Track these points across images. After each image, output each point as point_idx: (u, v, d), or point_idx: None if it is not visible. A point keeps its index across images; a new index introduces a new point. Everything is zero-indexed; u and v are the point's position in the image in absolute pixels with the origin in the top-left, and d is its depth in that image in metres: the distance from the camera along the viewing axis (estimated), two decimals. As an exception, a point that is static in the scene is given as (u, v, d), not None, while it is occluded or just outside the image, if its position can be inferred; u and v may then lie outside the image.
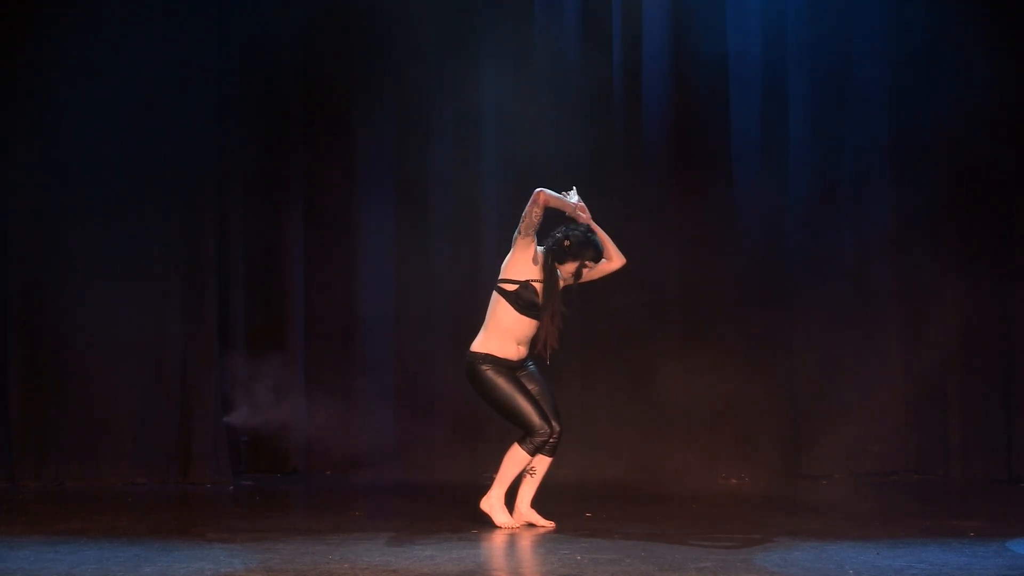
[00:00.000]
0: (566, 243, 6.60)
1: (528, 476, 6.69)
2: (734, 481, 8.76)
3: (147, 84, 8.58)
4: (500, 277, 6.64)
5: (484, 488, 6.88)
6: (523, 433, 6.61)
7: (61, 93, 8.54)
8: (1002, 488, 8.47)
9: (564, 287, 6.73)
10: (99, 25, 8.55)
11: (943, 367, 8.88)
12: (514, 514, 6.70)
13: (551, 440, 6.64)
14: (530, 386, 6.67)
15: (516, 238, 6.57)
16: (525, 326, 6.60)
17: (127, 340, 8.60)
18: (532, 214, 6.48)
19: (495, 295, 6.64)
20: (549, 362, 6.65)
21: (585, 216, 6.60)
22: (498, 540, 6.32)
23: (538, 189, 6.49)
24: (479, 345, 6.63)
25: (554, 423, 6.62)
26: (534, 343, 6.67)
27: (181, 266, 8.66)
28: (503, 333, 6.59)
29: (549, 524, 6.69)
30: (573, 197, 6.62)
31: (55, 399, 8.55)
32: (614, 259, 6.79)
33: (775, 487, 8.48)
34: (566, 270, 6.67)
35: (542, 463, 6.69)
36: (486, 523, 6.67)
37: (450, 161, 9.03)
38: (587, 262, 6.66)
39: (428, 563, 5.58)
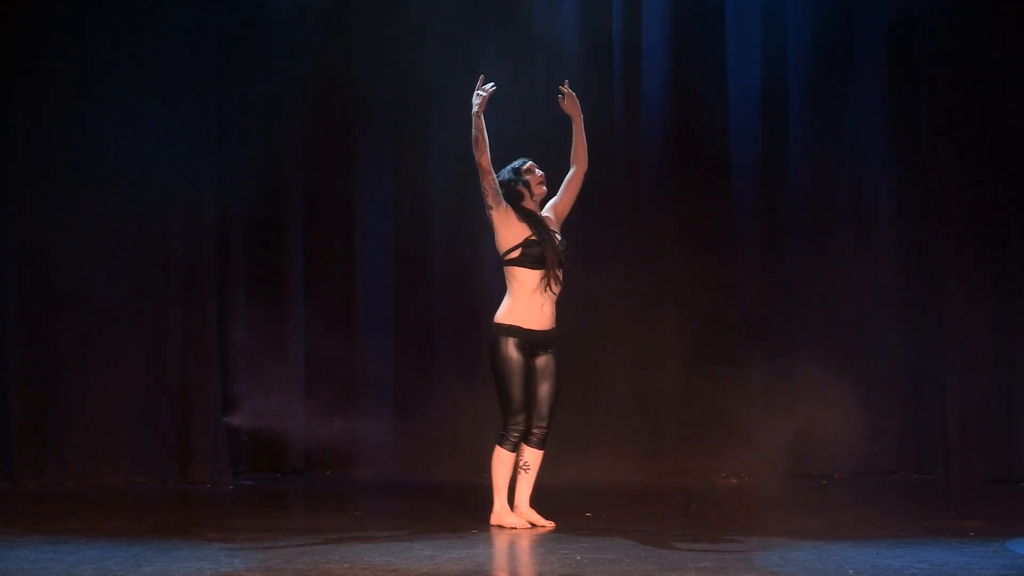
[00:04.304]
0: (504, 190, 6.66)
1: (523, 472, 6.70)
2: (734, 481, 8.76)
3: (149, 80, 8.60)
4: (501, 256, 6.66)
5: (484, 488, 6.89)
6: (500, 431, 6.63)
7: (60, 87, 8.56)
8: (1002, 488, 8.47)
9: (552, 212, 6.80)
10: (95, 23, 8.60)
11: (943, 367, 8.88)
12: (515, 512, 6.70)
13: (534, 432, 6.66)
14: (541, 383, 6.67)
15: (491, 215, 6.63)
16: (548, 281, 6.62)
17: (127, 340, 8.60)
18: (486, 183, 6.58)
19: (507, 270, 6.65)
20: (562, 269, 6.63)
21: (478, 102, 6.56)
22: (498, 540, 6.32)
23: (478, 158, 6.55)
24: (505, 316, 6.62)
25: (531, 419, 6.63)
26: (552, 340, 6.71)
27: (181, 265, 8.66)
28: (530, 296, 6.59)
29: (549, 524, 6.69)
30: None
31: (55, 399, 8.55)
32: (579, 163, 6.85)
33: (775, 487, 8.48)
34: (529, 201, 6.70)
35: (534, 457, 6.70)
36: (486, 523, 6.67)
37: (449, 159, 9.03)
38: (528, 180, 6.68)
39: (428, 563, 5.58)
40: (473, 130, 6.56)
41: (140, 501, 7.84)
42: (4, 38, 8.53)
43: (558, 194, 6.88)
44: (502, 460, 6.63)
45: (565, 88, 6.89)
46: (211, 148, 8.72)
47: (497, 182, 6.64)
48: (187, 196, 8.66)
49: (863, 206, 9.09)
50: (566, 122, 6.96)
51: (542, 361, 6.68)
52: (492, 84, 6.66)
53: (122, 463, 8.59)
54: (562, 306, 6.73)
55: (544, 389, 6.69)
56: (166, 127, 8.59)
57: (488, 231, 6.76)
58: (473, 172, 6.64)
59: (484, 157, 6.56)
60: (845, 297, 9.04)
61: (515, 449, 6.65)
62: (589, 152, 6.87)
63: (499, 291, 6.78)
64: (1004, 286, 8.82)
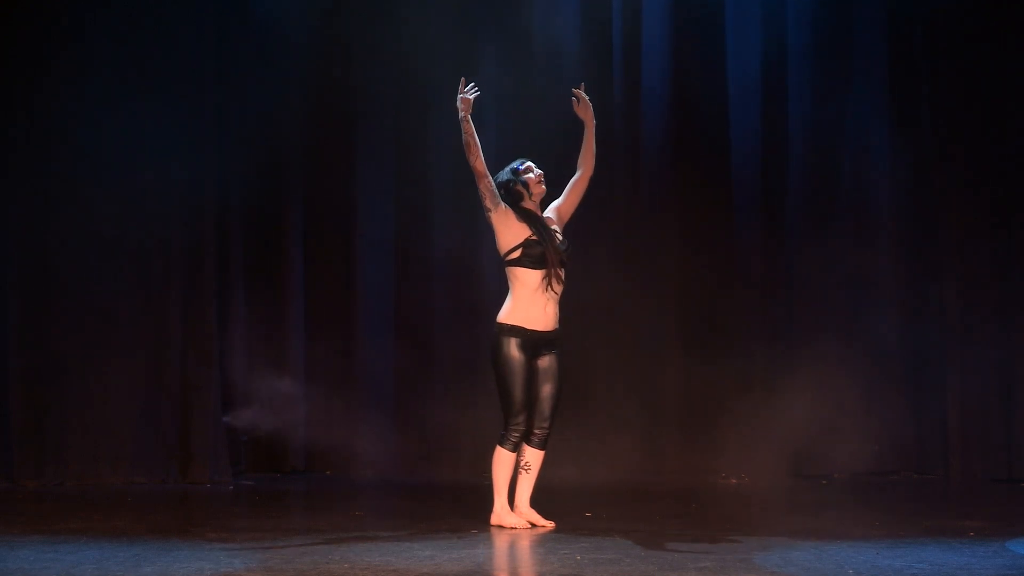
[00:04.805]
0: (503, 191, 6.66)
1: (524, 472, 6.70)
2: (734, 481, 8.76)
3: (149, 80, 8.60)
4: (502, 256, 6.66)
5: (484, 488, 6.88)
6: (501, 431, 6.63)
7: (60, 87, 8.56)
8: (1002, 488, 8.47)
9: (554, 213, 6.81)
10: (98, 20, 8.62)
11: (943, 367, 8.88)
12: (515, 512, 6.70)
13: (536, 433, 6.66)
14: (543, 384, 6.66)
15: (490, 217, 6.63)
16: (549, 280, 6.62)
17: (127, 340, 8.60)
18: (483, 187, 6.58)
19: (508, 271, 6.64)
20: (563, 268, 6.63)
21: (463, 106, 6.54)
22: (498, 540, 6.32)
23: (472, 162, 6.53)
24: (507, 316, 6.61)
25: (533, 420, 6.62)
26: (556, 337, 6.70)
27: (181, 265, 8.66)
28: (532, 296, 6.59)
29: (549, 524, 6.69)
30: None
31: (55, 399, 8.55)
32: (586, 167, 6.85)
33: (775, 487, 8.48)
34: (528, 201, 6.69)
35: (535, 457, 6.69)
36: (486, 523, 6.67)
37: (449, 159, 9.02)
38: (527, 180, 6.68)
39: (428, 563, 5.58)
40: (463, 135, 6.54)
41: (140, 501, 7.84)
42: (4, 38, 8.53)
43: (562, 195, 6.88)
44: (502, 460, 6.63)
45: (580, 93, 6.87)
46: (211, 148, 8.72)
47: (494, 184, 6.63)
48: (187, 196, 8.66)
49: (863, 206, 9.09)
50: (566, 120, 6.96)
51: (544, 362, 6.68)
52: (473, 85, 6.62)
53: (122, 463, 8.59)
54: (561, 306, 6.73)
55: (546, 390, 6.68)
56: (166, 127, 8.59)
57: (489, 231, 6.75)
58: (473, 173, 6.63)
59: (478, 161, 6.55)
60: (845, 297, 9.04)
61: (516, 449, 6.65)
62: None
63: (500, 291, 6.78)
64: (1005, 286, 8.82)
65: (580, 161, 6.86)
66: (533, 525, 6.66)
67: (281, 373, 8.99)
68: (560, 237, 6.70)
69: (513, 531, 6.53)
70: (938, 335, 8.91)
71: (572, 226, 7.02)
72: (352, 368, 9.13)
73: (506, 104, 8.98)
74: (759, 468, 8.78)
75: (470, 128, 6.53)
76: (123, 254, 8.64)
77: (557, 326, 6.67)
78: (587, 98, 6.84)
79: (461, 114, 6.54)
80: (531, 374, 6.62)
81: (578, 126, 6.91)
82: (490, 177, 6.61)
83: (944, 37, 8.89)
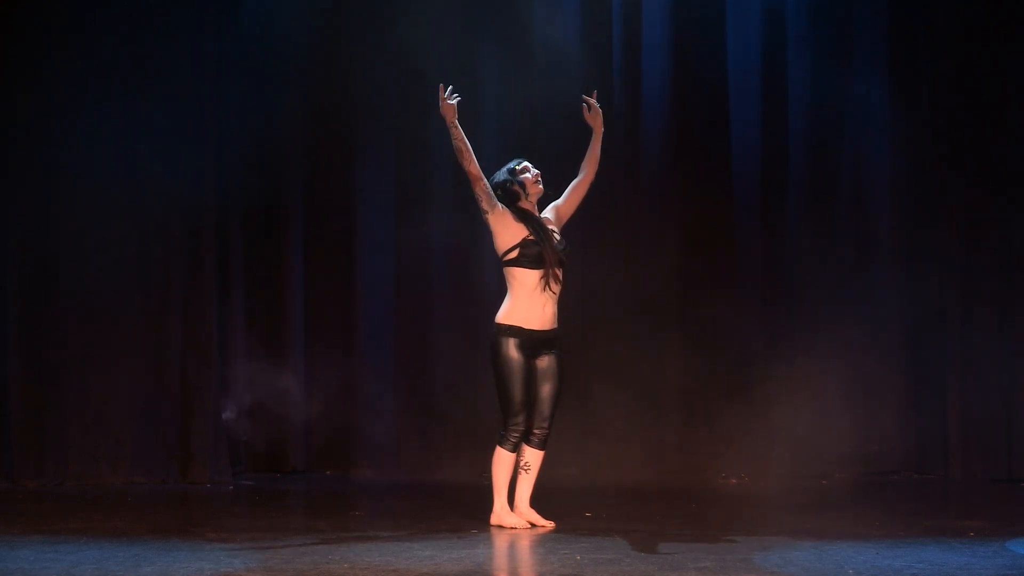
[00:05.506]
0: (500, 191, 6.66)
1: (523, 472, 6.70)
2: (734, 481, 8.76)
3: (149, 81, 8.59)
4: (500, 257, 6.65)
5: (484, 488, 6.88)
6: (500, 431, 6.62)
7: (60, 86, 8.56)
8: (1002, 488, 8.47)
9: (553, 213, 6.81)
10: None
11: (943, 367, 8.88)
12: (515, 512, 6.70)
13: (535, 433, 6.65)
14: (543, 384, 6.66)
15: (487, 219, 6.62)
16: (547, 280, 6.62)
17: (127, 340, 8.60)
18: (479, 189, 6.57)
19: (506, 271, 6.64)
20: (561, 268, 6.63)
21: (447, 113, 6.56)
22: (498, 540, 6.32)
23: (465, 167, 6.53)
24: (506, 316, 6.60)
25: (532, 420, 6.62)
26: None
27: (181, 266, 8.66)
28: (530, 296, 6.58)
29: (549, 524, 6.69)
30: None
31: (55, 399, 8.55)
32: (588, 171, 6.87)
33: (775, 487, 8.48)
34: (525, 201, 6.69)
35: (535, 457, 6.70)
36: (486, 523, 6.67)
37: (449, 160, 9.00)
38: (523, 180, 6.67)
39: (428, 563, 5.58)
40: (453, 141, 6.54)
41: (140, 501, 7.84)
42: (4, 37, 8.53)
43: (563, 196, 6.88)
44: (502, 460, 6.63)
45: (591, 100, 6.87)
46: (211, 149, 8.71)
47: (489, 186, 6.63)
48: (187, 197, 8.66)
49: (863, 205, 9.10)
50: (565, 120, 6.95)
51: (544, 362, 6.68)
52: (452, 90, 6.59)
53: (122, 463, 8.60)
54: (561, 305, 6.73)
55: (546, 390, 6.68)
56: (166, 127, 8.59)
57: (487, 231, 6.74)
58: (473, 174, 6.62)
59: (472, 165, 6.54)
60: (845, 297, 9.04)
61: (515, 449, 6.65)
62: (585, 144, 6.87)
63: (499, 291, 6.78)
64: (1005, 287, 8.82)
65: (583, 165, 6.86)
66: (533, 525, 6.66)
67: (281, 373, 8.99)
68: (558, 237, 6.70)
69: (513, 531, 6.53)
70: (938, 335, 8.92)
71: (571, 226, 7.02)
72: (352, 368, 9.13)
73: (505, 104, 8.98)
74: (759, 468, 8.79)
75: (459, 133, 6.53)
76: (123, 254, 8.64)
77: (556, 326, 6.67)
78: (597, 105, 6.85)
79: (447, 121, 6.54)
80: (530, 374, 6.62)
81: (579, 125, 6.91)
82: (485, 180, 6.60)
83: (945, 37, 8.90)
